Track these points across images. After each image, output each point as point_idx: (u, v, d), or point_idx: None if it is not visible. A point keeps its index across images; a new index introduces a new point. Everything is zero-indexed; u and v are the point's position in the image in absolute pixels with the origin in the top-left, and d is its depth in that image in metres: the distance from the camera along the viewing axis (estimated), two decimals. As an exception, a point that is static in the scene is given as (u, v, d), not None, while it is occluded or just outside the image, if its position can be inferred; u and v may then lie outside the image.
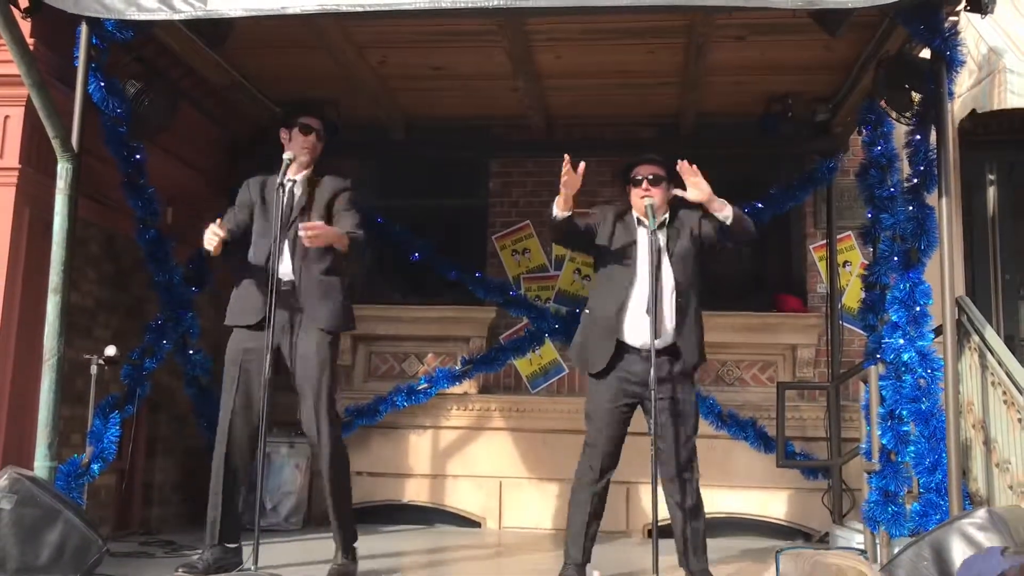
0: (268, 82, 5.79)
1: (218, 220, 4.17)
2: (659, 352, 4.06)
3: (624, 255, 4.24)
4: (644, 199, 4.21)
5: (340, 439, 4.29)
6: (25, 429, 4.36)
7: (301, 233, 4.01)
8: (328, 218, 4.26)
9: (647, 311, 4.09)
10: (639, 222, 4.28)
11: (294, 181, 4.30)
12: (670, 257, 4.25)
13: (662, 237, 4.25)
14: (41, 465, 3.96)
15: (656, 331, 4.06)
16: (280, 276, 4.13)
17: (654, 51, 5.28)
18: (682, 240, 4.29)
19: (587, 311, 4.37)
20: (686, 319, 4.23)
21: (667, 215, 4.30)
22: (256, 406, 4.07)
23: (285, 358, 4.24)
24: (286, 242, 4.19)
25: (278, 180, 4.05)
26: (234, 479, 4.18)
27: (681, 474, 4.14)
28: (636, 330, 4.15)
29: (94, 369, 4.60)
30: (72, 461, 4.33)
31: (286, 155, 4.17)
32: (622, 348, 4.18)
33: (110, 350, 4.68)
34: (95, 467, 4.42)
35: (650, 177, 4.26)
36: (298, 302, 4.19)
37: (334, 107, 6.01)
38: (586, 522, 4.18)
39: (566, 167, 4.03)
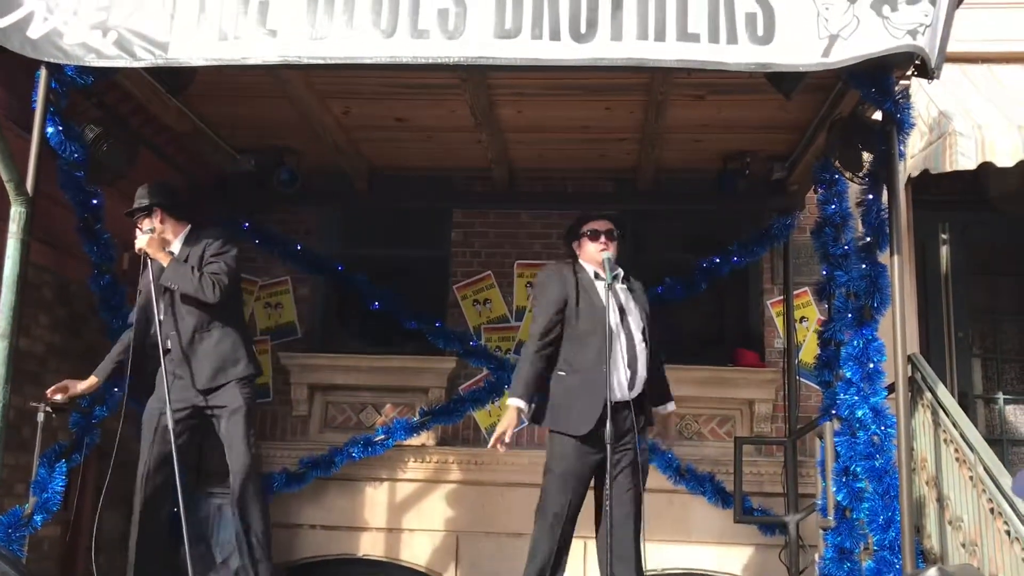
0: (230, 129, 5.79)
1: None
2: (631, 402, 4.11)
3: (593, 313, 4.25)
4: (603, 253, 4.24)
5: (258, 493, 4.50)
6: (-34, 478, 4.24)
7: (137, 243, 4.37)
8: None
9: (627, 364, 4.15)
10: (596, 276, 4.31)
11: (172, 253, 4.51)
12: (633, 306, 4.33)
13: (621, 291, 4.30)
14: (-20, 517, 3.85)
15: (631, 383, 4.13)
16: (167, 348, 4.42)
17: (613, 108, 5.36)
18: (638, 295, 4.38)
19: (560, 372, 4.26)
20: (653, 365, 4.31)
21: (620, 272, 4.35)
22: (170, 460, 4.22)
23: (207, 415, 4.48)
24: (163, 311, 4.46)
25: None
26: (155, 534, 4.34)
27: (637, 528, 4.13)
28: (620, 385, 4.17)
29: (41, 416, 4.48)
30: (13, 512, 4.21)
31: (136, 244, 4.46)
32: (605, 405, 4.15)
33: (58, 397, 4.58)
34: (38, 518, 4.30)
35: (607, 232, 4.33)
36: (188, 371, 4.44)
37: (294, 156, 6.04)
38: None
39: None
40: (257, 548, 4.42)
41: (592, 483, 4.29)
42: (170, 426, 4.18)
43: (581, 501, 4.22)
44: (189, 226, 4.66)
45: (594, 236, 4.36)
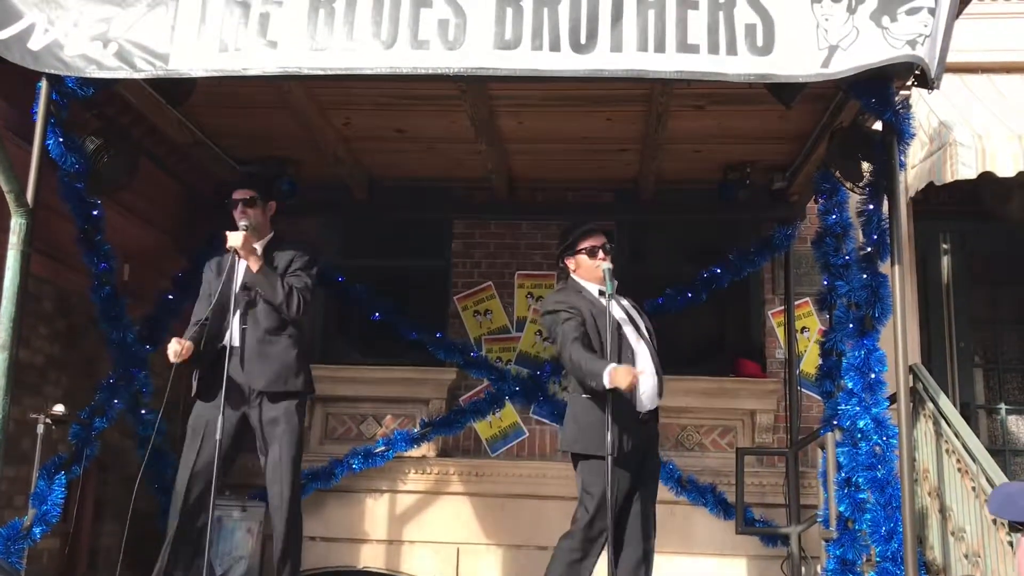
0: (230, 140, 5.79)
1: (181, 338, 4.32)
2: (649, 413, 4.12)
3: (608, 330, 4.18)
4: (601, 265, 4.26)
5: (299, 498, 4.42)
6: (-35, 490, 4.23)
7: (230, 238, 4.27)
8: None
9: (653, 372, 4.21)
10: (600, 292, 4.31)
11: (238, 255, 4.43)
12: (638, 317, 4.36)
13: (625, 301, 4.30)
14: (-21, 529, 3.84)
15: (660, 389, 4.20)
16: (232, 345, 4.31)
17: (614, 119, 5.36)
18: (638, 308, 4.44)
19: (584, 396, 4.14)
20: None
21: (616, 283, 4.34)
22: (211, 468, 4.12)
23: (250, 423, 4.37)
24: (238, 315, 4.36)
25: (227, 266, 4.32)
26: (186, 539, 4.21)
27: (649, 540, 4.14)
28: (648, 394, 4.19)
29: (40, 428, 4.48)
30: (12, 524, 4.19)
31: (229, 241, 4.35)
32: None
33: (58, 409, 4.58)
34: (37, 530, 4.28)
35: (603, 246, 4.36)
36: (250, 370, 4.34)
37: (294, 166, 6.04)
38: None
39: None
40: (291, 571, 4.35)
41: None
42: (217, 434, 4.09)
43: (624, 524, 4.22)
44: (273, 232, 4.65)
45: (592, 253, 4.37)
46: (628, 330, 4.23)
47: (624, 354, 4.17)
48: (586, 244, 4.39)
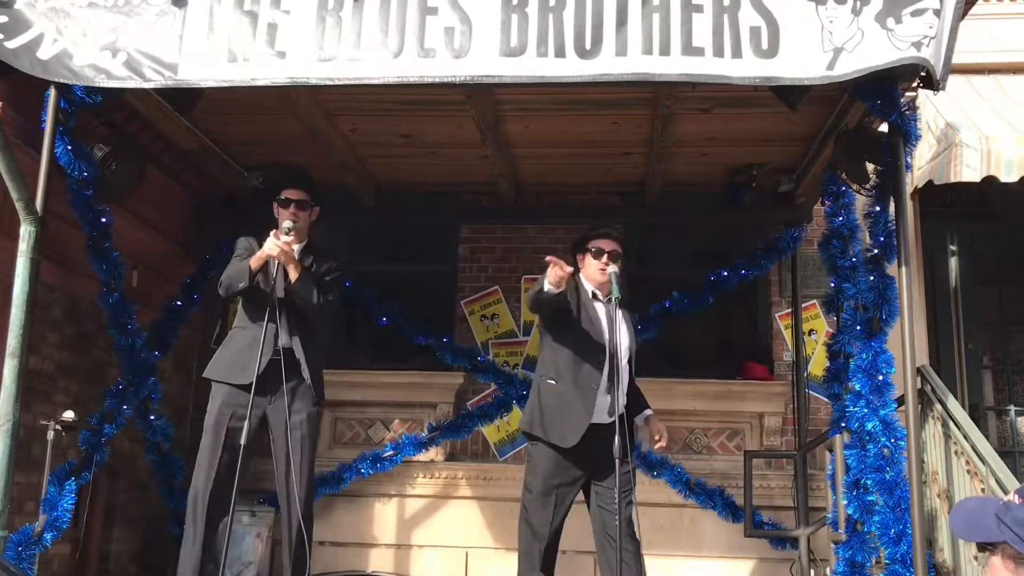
0: (237, 147, 5.81)
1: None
2: (611, 424, 4.08)
3: (591, 328, 4.25)
4: (608, 268, 4.25)
5: (311, 510, 4.38)
6: (-23, 496, 4.24)
7: (267, 247, 4.17)
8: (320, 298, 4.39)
9: (616, 386, 4.15)
10: (594, 296, 4.33)
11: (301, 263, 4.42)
12: (624, 331, 4.34)
13: (617, 311, 4.30)
14: (-9, 534, 3.86)
15: (612, 408, 4.11)
16: (277, 345, 4.26)
17: (620, 122, 5.37)
18: (628, 322, 4.41)
19: (550, 380, 4.25)
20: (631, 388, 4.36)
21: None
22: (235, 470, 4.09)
23: (268, 426, 4.31)
24: (281, 315, 4.29)
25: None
26: (211, 555, 4.16)
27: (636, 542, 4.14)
28: (603, 407, 4.16)
29: (51, 434, 4.50)
30: (23, 530, 4.21)
31: (286, 224, 4.31)
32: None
33: (68, 415, 4.60)
34: (48, 536, 4.29)
35: (611, 252, 4.34)
36: (290, 374, 4.26)
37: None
38: None
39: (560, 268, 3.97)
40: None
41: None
42: (245, 429, 4.05)
43: (562, 521, 4.20)
44: (308, 237, 4.60)
45: (598, 254, 4.36)
46: (612, 339, 4.20)
47: (594, 360, 4.17)
48: (594, 244, 4.39)
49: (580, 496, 4.27)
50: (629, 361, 4.33)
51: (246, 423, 4.04)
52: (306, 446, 4.32)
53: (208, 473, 4.18)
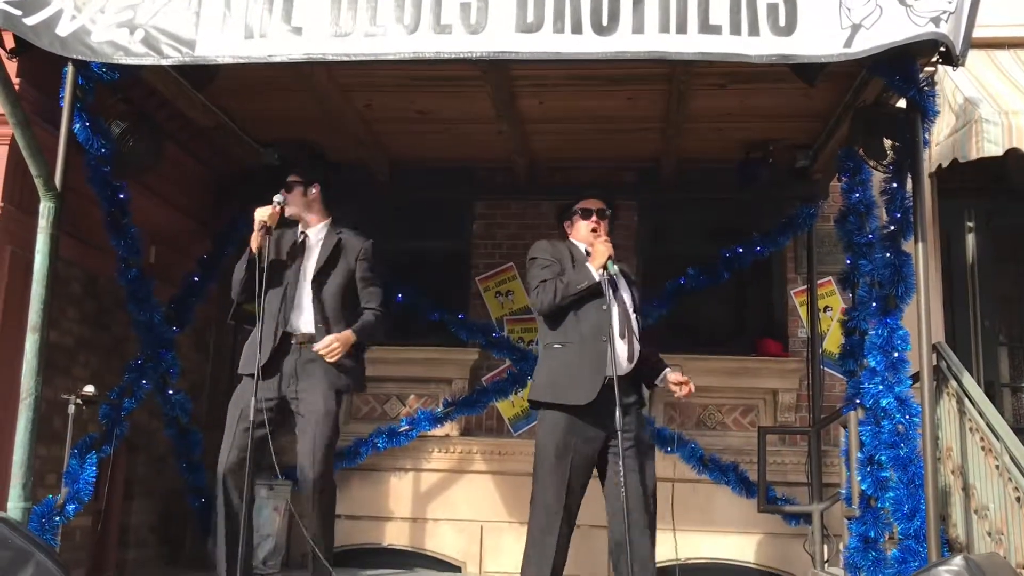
0: (253, 123, 5.83)
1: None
2: (624, 377, 4.10)
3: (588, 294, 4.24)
4: (602, 252, 4.21)
5: (331, 479, 4.38)
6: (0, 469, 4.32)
7: (324, 353, 4.21)
8: (350, 279, 4.43)
9: (624, 336, 4.15)
10: (587, 253, 4.33)
11: (305, 235, 4.49)
12: (623, 282, 4.35)
13: (617, 267, 4.31)
14: (15, 506, 3.91)
15: (630, 354, 4.14)
16: (297, 330, 4.31)
17: (635, 98, 5.35)
18: (627, 275, 4.45)
19: (556, 346, 4.21)
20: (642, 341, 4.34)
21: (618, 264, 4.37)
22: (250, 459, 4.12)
23: (292, 408, 4.31)
24: (307, 299, 4.34)
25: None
26: (237, 516, 4.15)
27: (651, 513, 4.12)
28: (619, 358, 4.12)
29: (72, 409, 4.55)
30: (46, 502, 4.28)
31: (276, 197, 4.33)
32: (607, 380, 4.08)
33: (88, 389, 4.65)
34: (70, 508, 4.36)
35: (599, 211, 4.39)
36: (313, 360, 4.27)
37: (317, 149, 6.07)
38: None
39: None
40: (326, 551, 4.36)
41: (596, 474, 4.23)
42: (252, 417, 4.06)
43: (581, 492, 4.11)
44: (331, 217, 4.59)
45: (586, 215, 4.40)
46: (607, 291, 4.18)
47: (596, 315, 4.15)
48: (581, 205, 4.43)
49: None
50: (635, 311, 4.33)
51: (252, 408, 4.03)
52: (321, 431, 4.24)
53: (227, 453, 4.22)
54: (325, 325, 4.33)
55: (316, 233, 4.52)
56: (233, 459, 4.15)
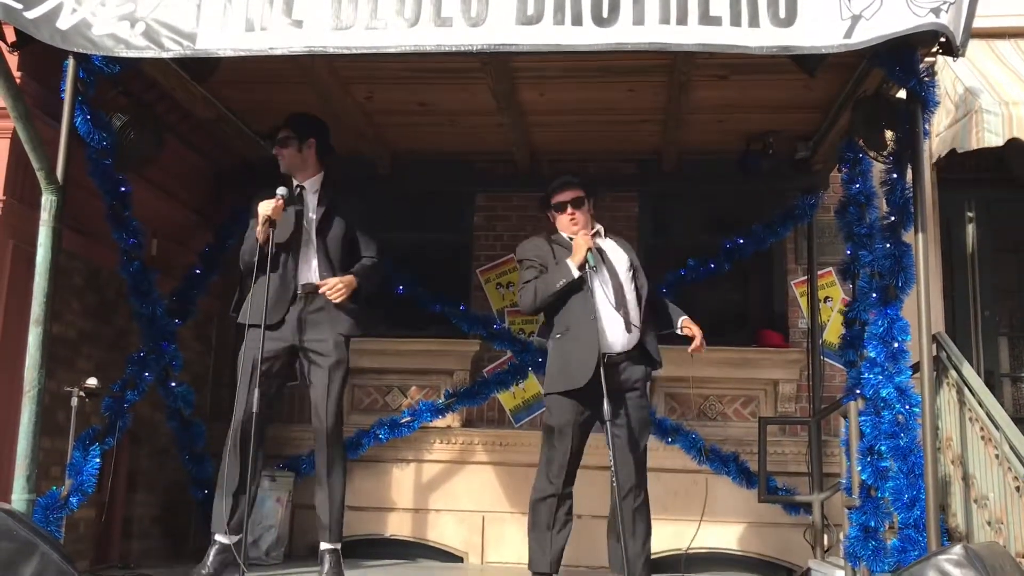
0: (254, 116, 5.83)
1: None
2: (628, 352, 4.15)
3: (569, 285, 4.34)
4: (581, 247, 4.33)
5: (342, 435, 4.60)
6: (3, 461, 4.33)
7: (331, 295, 4.40)
8: (348, 228, 4.63)
9: (617, 307, 4.25)
10: (571, 239, 4.43)
11: (302, 187, 4.63)
12: (617, 250, 4.47)
13: (611, 242, 4.45)
14: (19, 498, 3.93)
15: (627, 325, 4.25)
16: (303, 281, 4.48)
17: (636, 90, 5.35)
18: (622, 244, 4.56)
19: (557, 336, 4.38)
20: (654, 302, 4.51)
21: (600, 228, 4.47)
22: (267, 407, 4.30)
23: (301, 358, 4.52)
24: (312, 250, 4.51)
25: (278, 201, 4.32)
26: (246, 471, 4.33)
27: (642, 483, 4.25)
28: (612, 333, 4.22)
29: (75, 401, 4.57)
30: (51, 494, 4.29)
31: (280, 191, 4.39)
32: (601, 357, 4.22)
33: (91, 382, 4.67)
34: (74, 500, 4.37)
35: (572, 201, 4.48)
36: (321, 308, 4.47)
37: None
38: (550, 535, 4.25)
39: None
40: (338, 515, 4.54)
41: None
42: (260, 365, 4.25)
43: (580, 453, 4.35)
44: (323, 170, 4.74)
45: (560, 208, 4.46)
46: (599, 275, 4.30)
47: (583, 296, 4.26)
48: (554, 201, 4.50)
49: (596, 460, 4.34)
50: (634, 278, 4.37)
51: (259, 354, 4.21)
52: (334, 384, 4.47)
53: (241, 412, 4.34)
54: (331, 274, 4.51)
55: (312, 185, 4.67)
56: (252, 407, 4.21)
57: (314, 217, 4.57)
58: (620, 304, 4.26)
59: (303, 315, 4.47)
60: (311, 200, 4.63)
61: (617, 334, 4.27)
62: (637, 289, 4.42)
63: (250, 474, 4.34)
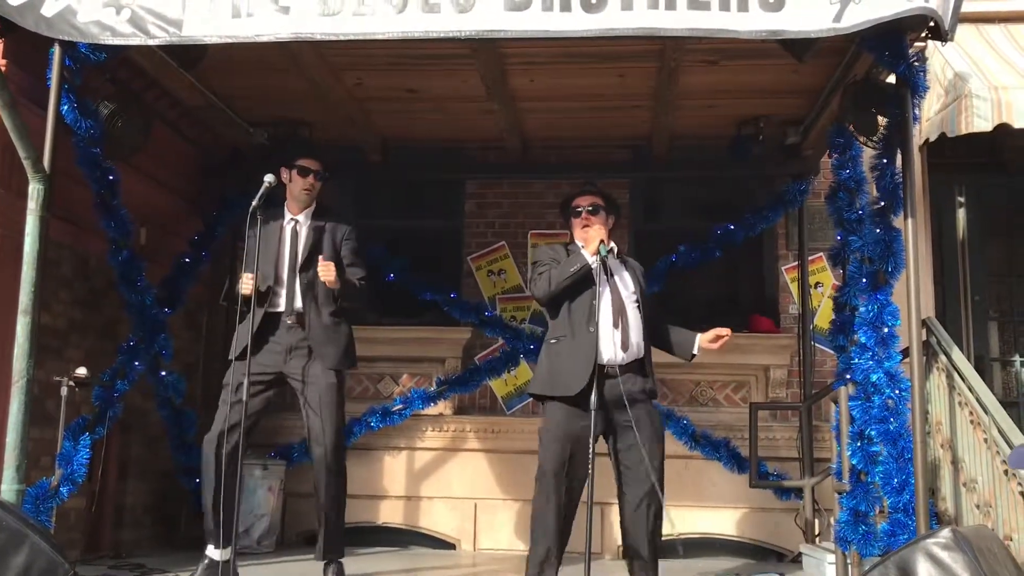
0: (242, 103, 5.79)
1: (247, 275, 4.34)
2: (627, 367, 4.12)
3: (584, 283, 4.23)
4: (586, 230, 4.28)
5: (344, 460, 4.61)
6: (-7, 451, 4.32)
7: (321, 272, 4.35)
8: (336, 260, 4.55)
9: (616, 325, 4.17)
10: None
11: (297, 220, 4.63)
12: (625, 274, 4.36)
13: (613, 262, 4.31)
14: (8, 488, 3.93)
15: (624, 343, 4.14)
16: (288, 312, 4.49)
17: (626, 75, 5.34)
18: (632, 268, 4.46)
19: (552, 340, 4.29)
20: (658, 326, 4.39)
21: (614, 245, 4.35)
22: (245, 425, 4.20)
23: (293, 385, 4.51)
24: (296, 281, 4.51)
25: (253, 203, 4.08)
26: (227, 483, 4.30)
27: (658, 496, 4.16)
28: (609, 346, 4.16)
29: (64, 391, 4.56)
30: (40, 484, 4.28)
31: (267, 177, 4.22)
32: (597, 367, 4.11)
33: (81, 371, 4.66)
34: (64, 490, 4.37)
35: (589, 208, 4.38)
36: (306, 339, 4.48)
37: (307, 128, 6.05)
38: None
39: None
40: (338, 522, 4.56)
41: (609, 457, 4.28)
42: (244, 396, 4.16)
43: (584, 464, 4.06)
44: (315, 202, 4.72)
45: (575, 213, 4.41)
46: (601, 289, 4.18)
47: (587, 305, 4.18)
48: (573, 204, 4.45)
49: (601, 447, 4.29)
50: (638, 302, 4.33)
51: (244, 388, 4.11)
52: (327, 399, 4.46)
53: (220, 425, 4.34)
54: (316, 304, 4.50)
55: (306, 218, 4.65)
56: (224, 428, 4.25)
57: (301, 249, 4.56)
58: (617, 323, 4.19)
59: (292, 344, 4.49)
60: (303, 232, 4.61)
61: (613, 349, 4.17)
62: (639, 309, 4.34)
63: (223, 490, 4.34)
